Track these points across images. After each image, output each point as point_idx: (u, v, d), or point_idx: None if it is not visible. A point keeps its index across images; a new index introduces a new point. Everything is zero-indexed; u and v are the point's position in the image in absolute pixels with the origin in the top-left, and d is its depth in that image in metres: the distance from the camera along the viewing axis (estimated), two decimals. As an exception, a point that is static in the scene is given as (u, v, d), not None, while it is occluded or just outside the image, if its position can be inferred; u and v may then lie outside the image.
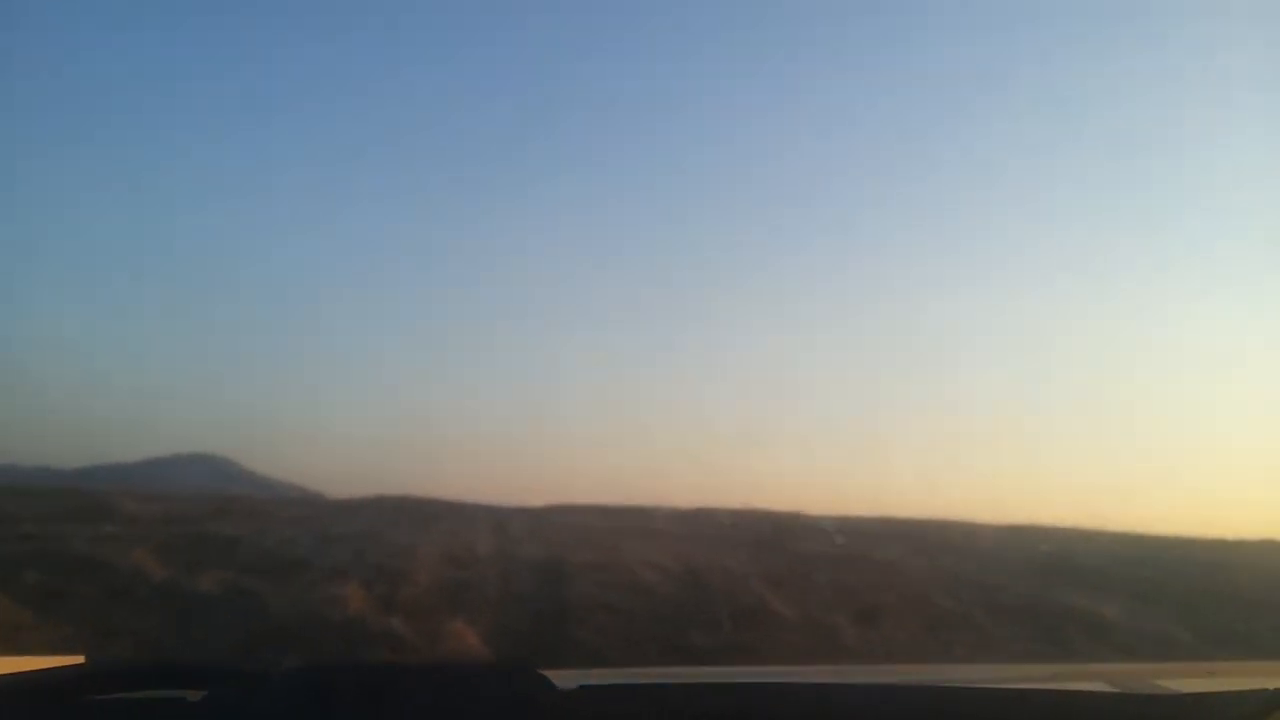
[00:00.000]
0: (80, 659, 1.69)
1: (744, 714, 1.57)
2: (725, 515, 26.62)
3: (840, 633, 11.88)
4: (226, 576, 13.17)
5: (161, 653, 10.25)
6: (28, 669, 1.50)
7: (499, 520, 22.99)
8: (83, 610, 10.92)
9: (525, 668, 1.54)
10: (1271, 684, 1.56)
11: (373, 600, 12.27)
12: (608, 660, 10.15)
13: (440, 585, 13.87)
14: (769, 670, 2.72)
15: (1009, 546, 22.14)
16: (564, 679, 1.54)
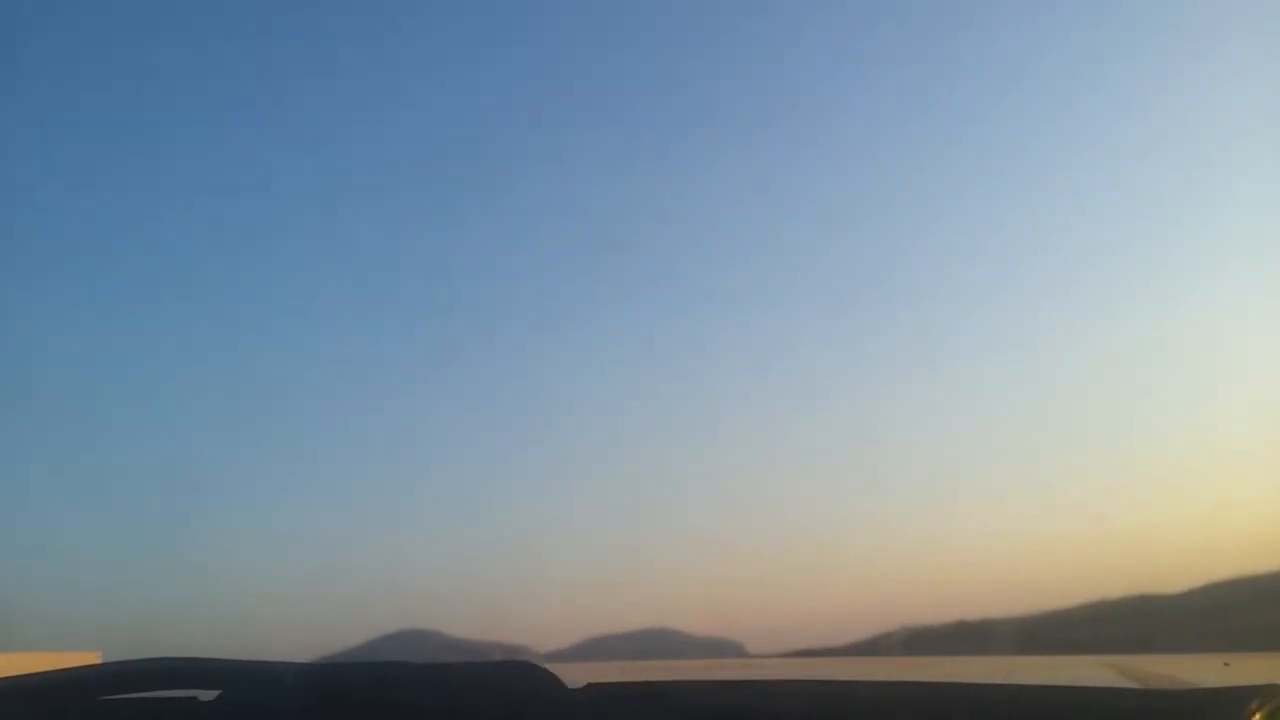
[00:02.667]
0: (95, 657, 1.71)
1: (749, 711, 1.57)
2: None
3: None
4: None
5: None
6: (43, 667, 1.54)
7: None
8: None
9: (533, 664, 1.55)
10: None
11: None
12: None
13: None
14: (773, 667, 2.68)
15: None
16: (571, 675, 1.55)
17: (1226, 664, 2.10)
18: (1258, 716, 1.41)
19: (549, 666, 1.55)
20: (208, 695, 1.48)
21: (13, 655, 1.71)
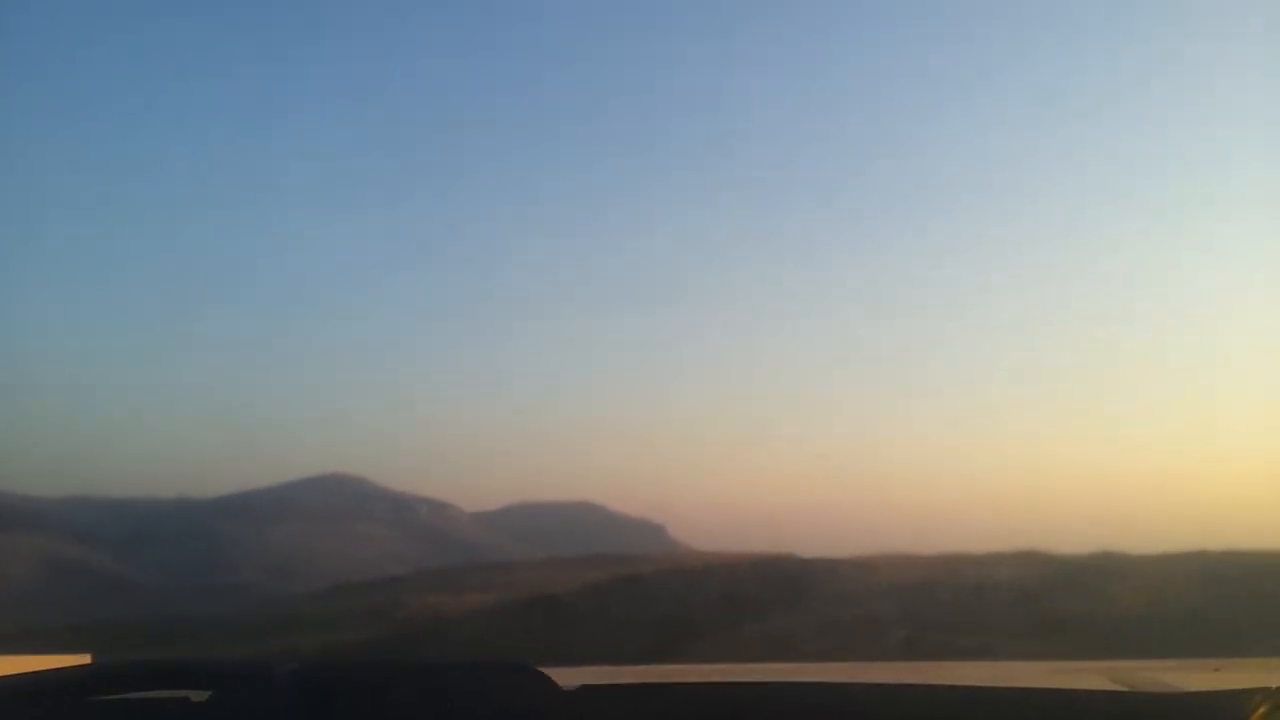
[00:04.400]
0: (86, 659, 1.68)
1: (745, 714, 1.57)
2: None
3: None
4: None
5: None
6: (34, 668, 1.50)
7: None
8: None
9: (527, 667, 1.54)
10: (1276, 681, 1.56)
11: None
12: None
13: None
14: (769, 670, 2.72)
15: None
16: (566, 678, 1.54)
17: (1217, 669, 2.12)
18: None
19: (544, 669, 1.54)
20: (199, 696, 1.46)
21: (3, 659, 1.65)
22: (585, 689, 1.55)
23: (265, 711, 1.44)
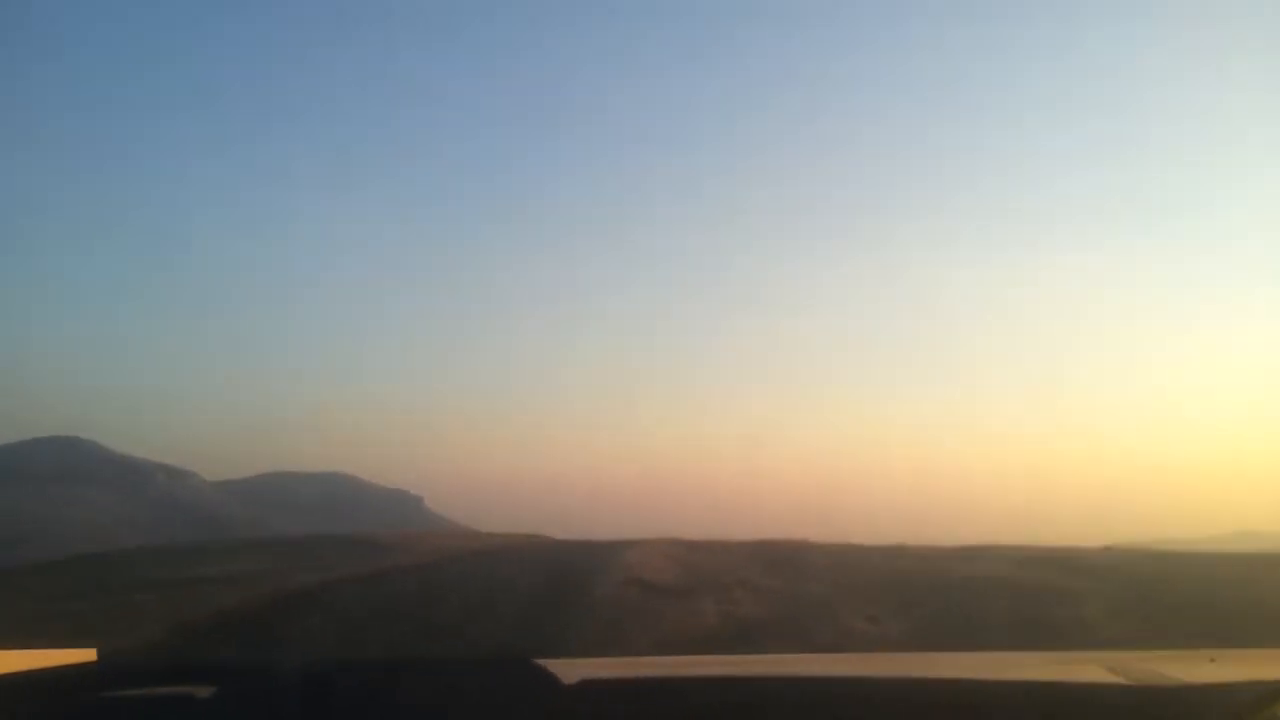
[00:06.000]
0: (92, 655, 1.61)
1: (744, 706, 1.59)
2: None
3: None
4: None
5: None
6: (41, 665, 1.44)
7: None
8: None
9: (527, 662, 1.55)
10: (1272, 671, 1.66)
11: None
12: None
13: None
14: (769, 661, 2.75)
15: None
16: (565, 672, 1.55)
17: (1212, 660, 2.13)
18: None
19: (544, 665, 1.55)
20: (204, 693, 1.44)
21: (10, 653, 1.52)
22: (585, 683, 1.57)
23: (268, 709, 1.42)
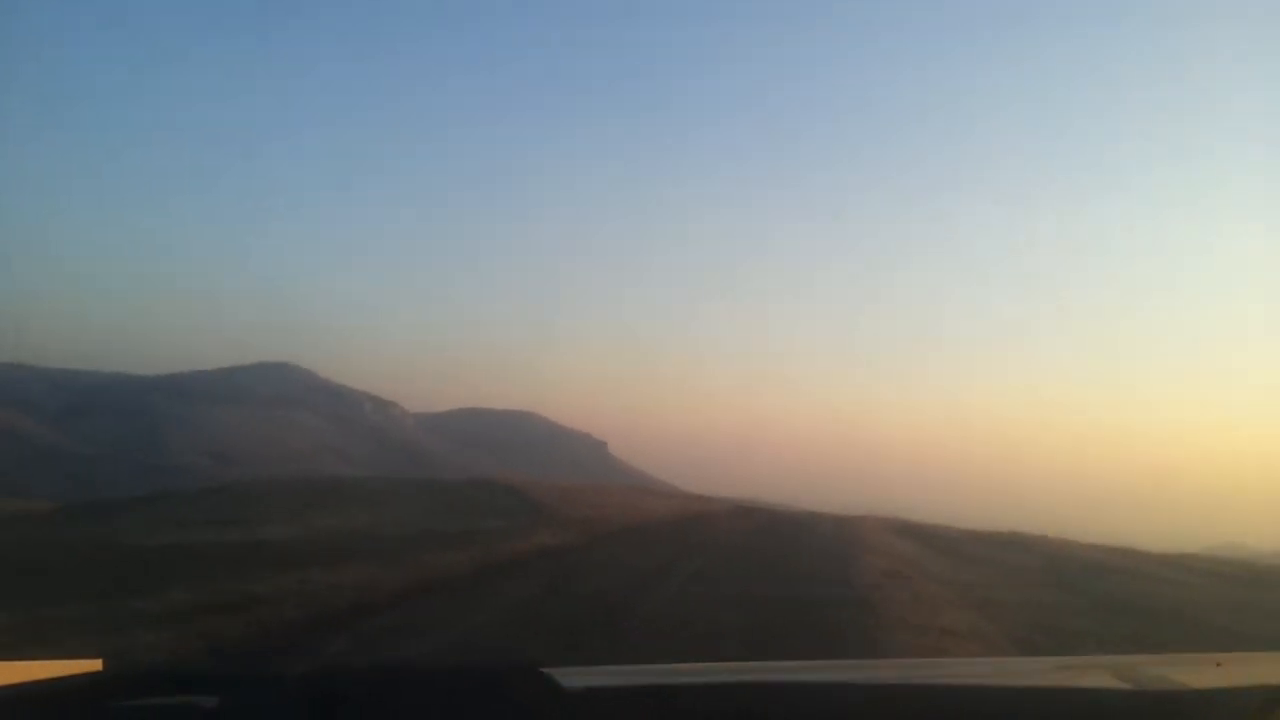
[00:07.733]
0: (98, 664, 1.68)
1: (749, 713, 1.58)
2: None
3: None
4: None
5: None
6: (46, 674, 1.50)
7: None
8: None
9: (532, 670, 1.56)
10: (1277, 675, 1.57)
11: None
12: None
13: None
14: (773, 668, 2.72)
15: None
16: (570, 679, 1.56)
17: (1219, 664, 2.13)
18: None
19: (548, 672, 1.56)
20: (208, 702, 1.47)
21: (15, 664, 1.62)
22: (590, 690, 1.57)
23: (273, 717, 1.45)
